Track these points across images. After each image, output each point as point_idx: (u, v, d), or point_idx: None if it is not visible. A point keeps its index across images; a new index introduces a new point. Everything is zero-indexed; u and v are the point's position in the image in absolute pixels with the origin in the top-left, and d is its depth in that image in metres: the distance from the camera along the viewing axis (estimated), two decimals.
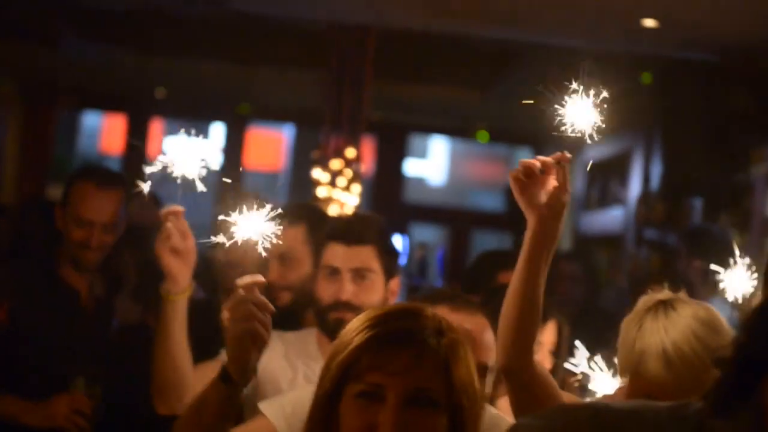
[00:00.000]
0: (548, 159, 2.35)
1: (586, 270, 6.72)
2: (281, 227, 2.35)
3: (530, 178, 2.34)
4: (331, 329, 3.11)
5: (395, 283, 3.27)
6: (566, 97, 2.34)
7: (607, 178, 10.81)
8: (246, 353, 2.25)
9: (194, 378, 2.96)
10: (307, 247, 3.62)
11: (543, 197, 2.35)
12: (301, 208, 3.72)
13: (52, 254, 4.07)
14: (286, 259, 3.54)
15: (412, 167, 14.12)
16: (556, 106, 2.36)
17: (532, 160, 2.35)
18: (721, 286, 2.87)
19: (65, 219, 3.96)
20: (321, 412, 1.98)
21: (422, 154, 14.50)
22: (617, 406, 1.64)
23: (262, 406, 2.66)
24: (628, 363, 2.58)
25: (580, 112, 2.33)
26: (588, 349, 3.09)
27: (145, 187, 2.72)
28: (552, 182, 2.35)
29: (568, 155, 2.35)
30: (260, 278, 2.26)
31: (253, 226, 2.28)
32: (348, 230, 3.15)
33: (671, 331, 2.52)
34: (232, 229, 2.28)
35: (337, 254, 3.16)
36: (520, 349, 2.38)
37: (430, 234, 14.10)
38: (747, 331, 1.49)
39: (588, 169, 11.05)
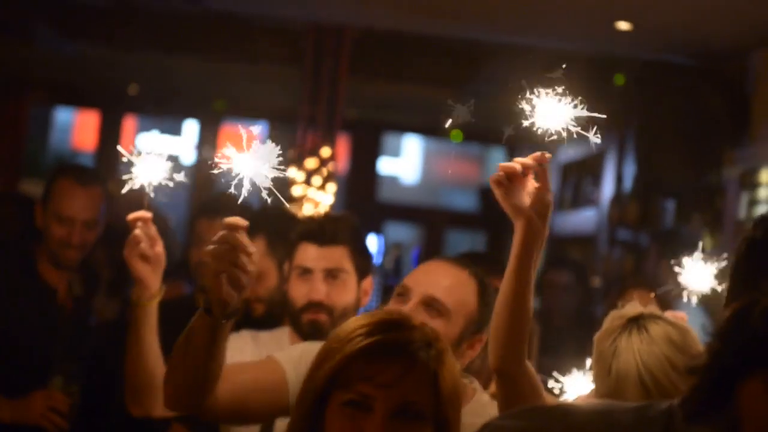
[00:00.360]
0: (527, 160, 2.34)
1: (578, 277, 6.68)
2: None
3: (512, 181, 2.33)
4: (305, 331, 3.12)
5: (368, 283, 3.28)
6: (539, 98, 2.34)
7: (580, 178, 10.85)
8: (222, 291, 2.27)
9: None
10: (270, 258, 3.63)
11: (526, 199, 2.34)
12: (259, 218, 3.69)
13: (29, 251, 4.05)
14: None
15: (385, 166, 14.12)
16: (528, 106, 2.36)
17: (512, 163, 2.34)
18: (681, 281, 2.89)
19: (46, 216, 3.94)
20: (305, 415, 1.98)
21: (396, 152, 14.49)
22: (586, 406, 1.66)
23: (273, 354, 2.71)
24: (605, 386, 2.61)
25: (553, 112, 2.33)
26: (581, 354, 3.09)
27: (136, 184, 2.72)
28: (533, 183, 2.35)
29: (548, 155, 2.35)
30: (243, 222, 2.26)
31: (253, 165, 2.29)
32: (320, 230, 3.16)
33: (646, 358, 2.56)
34: (233, 165, 2.29)
35: (309, 254, 3.17)
36: (512, 351, 2.39)
37: (403, 233, 14.10)
38: (721, 338, 1.50)
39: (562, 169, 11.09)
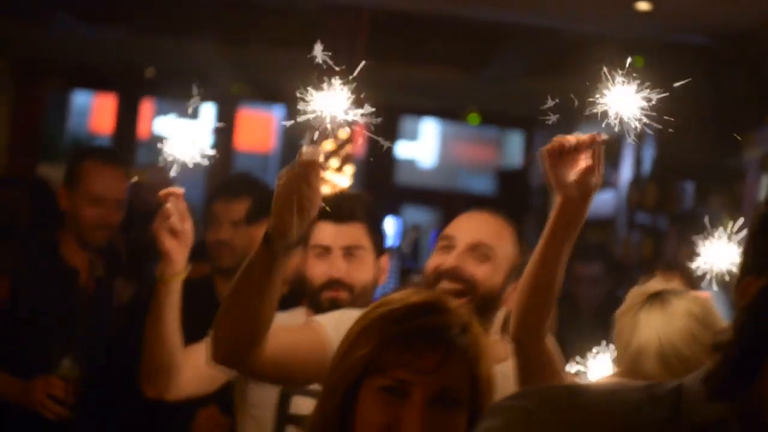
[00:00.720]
0: (583, 137, 2.34)
1: (607, 267, 6.62)
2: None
3: (563, 155, 2.34)
4: (325, 309, 3.11)
5: (385, 260, 3.28)
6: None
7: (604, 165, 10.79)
8: (287, 217, 2.29)
9: (184, 360, 2.97)
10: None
11: (572, 177, 2.34)
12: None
13: (51, 234, 4.07)
14: None
15: (403, 150, 14.10)
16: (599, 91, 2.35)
17: (567, 137, 2.34)
18: (700, 261, 2.88)
19: (74, 198, 3.95)
20: (337, 397, 1.95)
21: (413, 136, 14.47)
22: (594, 387, 1.65)
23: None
24: (625, 359, 2.61)
25: (619, 97, 2.33)
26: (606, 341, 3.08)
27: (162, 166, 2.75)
28: (583, 162, 2.34)
29: (604, 136, 2.34)
30: (319, 154, 2.31)
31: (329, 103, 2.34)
32: (337, 208, 3.15)
33: (667, 330, 2.56)
34: (309, 101, 2.34)
35: (326, 233, 3.16)
36: (532, 325, 2.41)
37: (421, 216, 14.10)
38: (748, 314, 1.49)
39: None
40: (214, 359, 2.52)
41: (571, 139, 2.34)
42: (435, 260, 2.83)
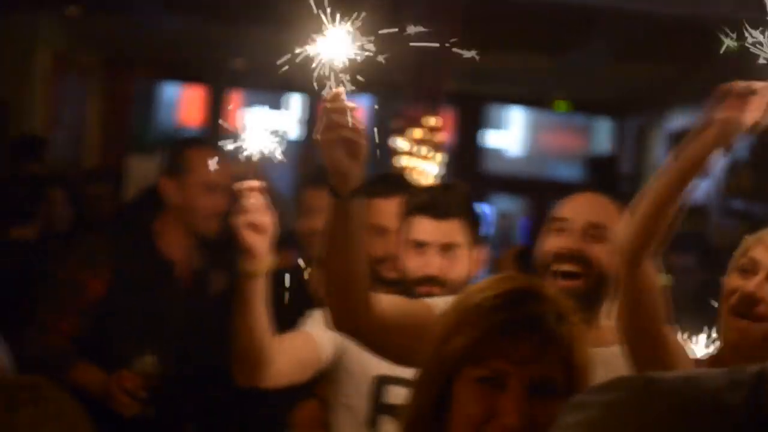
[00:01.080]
0: (759, 85, 2.40)
1: (701, 256, 6.54)
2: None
3: (735, 96, 2.39)
4: None
5: (480, 253, 3.27)
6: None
7: None
8: (340, 162, 2.36)
9: (276, 349, 2.99)
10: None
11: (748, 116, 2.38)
12: (396, 180, 3.71)
13: (148, 225, 4.07)
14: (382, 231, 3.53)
15: (490, 139, 14.05)
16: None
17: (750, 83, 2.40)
18: None
19: (182, 188, 3.96)
20: (432, 389, 1.94)
21: (500, 125, 14.42)
22: (670, 374, 1.63)
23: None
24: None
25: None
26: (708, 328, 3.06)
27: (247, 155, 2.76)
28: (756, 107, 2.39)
29: None
30: (343, 90, 2.37)
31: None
32: (434, 204, 3.15)
33: None
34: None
35: (424, 228, 3.16)
36: (641, 244, 2.45)
37: (509, 205, 14.06)
38: None
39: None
40: (335, 327, 2.61)
41: (750, 86, 2.40)
42: (550, 243, 2.85)
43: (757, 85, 2.38)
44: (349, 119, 2.36)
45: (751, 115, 2.37)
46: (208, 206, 3.92)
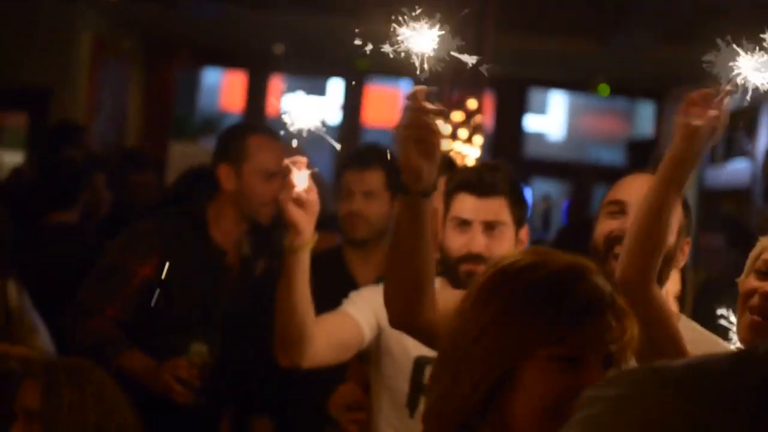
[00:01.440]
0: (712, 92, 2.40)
1: (734, 238, 6.51)
2: None
3: (697, 104, 2.40)
4: (462, 281, 3.12)
5: (524, 232, 3.26)
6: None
7: (732, 130, 10.60)
8: (414, 160, 2.36)
9: (317, 329, 3.00)
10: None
11: (699, 122, 2.39)
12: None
13: (199, 211, 4.07)
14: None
15: (531, 123, 14.02)
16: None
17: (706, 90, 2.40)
18: None
19: (241, 175, 3.97)
20: (496, 368, 1.88)
21: (541, 109, 14.37)
22: (676, 362, 1.62)
23: None
24: None
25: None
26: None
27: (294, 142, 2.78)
28: (711, 113, 2.39)
29: (730, 88, 2.38)
30: (425, 87, 2.36)
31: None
32: (478, 181, 3.14)
33: None
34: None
35: (467, 206, 3.15)
36: (641, 264, 2.44)
37: (550, 188, 14.02)
38: None
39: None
40: (391, 324, 2.59)
41: (709, 91, 2.39)
42: (607, 226, 2.83)
43: (713, 90, 2.38)
44: (428, 119, 2.36)
45: (711, 118, 2.38)
46: (265, 193, 3.91)
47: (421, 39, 2.48)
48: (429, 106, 2.37)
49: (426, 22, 2.50)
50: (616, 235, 2.80)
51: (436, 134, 2.38)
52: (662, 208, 2.43)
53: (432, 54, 2.46)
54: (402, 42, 2.48)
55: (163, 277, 3.89)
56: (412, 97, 2.38)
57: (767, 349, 1.53)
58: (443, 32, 2.47)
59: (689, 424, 1.46)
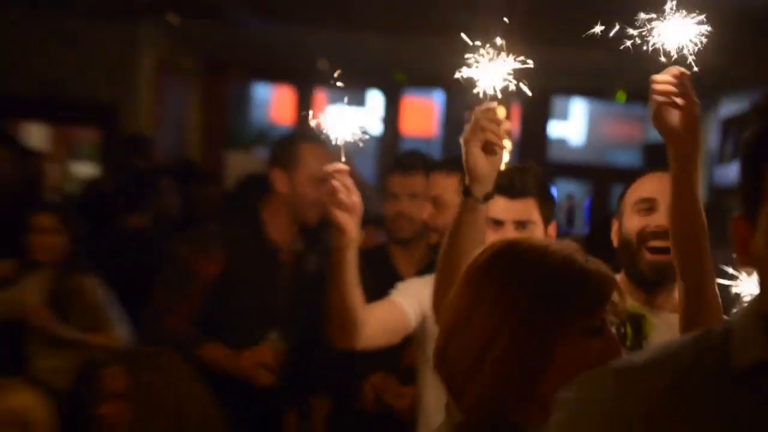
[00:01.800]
0: (668, 78, 2.38)
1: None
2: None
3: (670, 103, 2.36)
4: None
5: (552, 229, 3.28)
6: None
7: (741, 131, 10.54)
8: (477, 161, 2.42)
9: (367, 315, 3.05)
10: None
11: (676, 118, 2.36)
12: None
13: (257, 212, 4.14)
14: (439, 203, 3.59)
15: (554, 129, 13.99)
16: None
17: (663, 86, 2.37)
18: None
19: (293, 179, 4.02)
20: (533, 342, 1.82)
21: (564, 116, 14.34)
22: (635, 359, 1.58)
23: None
24: None
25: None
26: None
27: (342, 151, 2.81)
28: (679, 101, 2.35)
29: (685, 71, 2.37)
30: (495, 105, 2.45)
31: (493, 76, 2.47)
32: (510, 184, 3.16)
33: None
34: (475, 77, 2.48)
35: (499, 207, 3.16)
36: (694, 261, 2.41)
37: (572, 189, 14.01)
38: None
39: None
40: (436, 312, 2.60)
41: (661, 87, 2.36)
42: (637, 222, 2.83)
43: (673, 71, 2.35)
44: (500, 133, 2.43)
45: (685, 106, 2.34)
46: (314, 196, 3.96)
47: (492, 67, 2.51)
48: (505, 121, 2.43)
49: (489, 50, 2.53)
50: (651, 230, 2.81)
51: (503, 147, 2.44)
52: (691, 211, 2.39)
53: (502, 84, 2.49)
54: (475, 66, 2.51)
55: (227, 275, 3.96)
56: (490, 112, 2.44)
57: (724, 328, 1.52)
58: (516, 62, 2.52)
59: (644, 416, 1.45)
